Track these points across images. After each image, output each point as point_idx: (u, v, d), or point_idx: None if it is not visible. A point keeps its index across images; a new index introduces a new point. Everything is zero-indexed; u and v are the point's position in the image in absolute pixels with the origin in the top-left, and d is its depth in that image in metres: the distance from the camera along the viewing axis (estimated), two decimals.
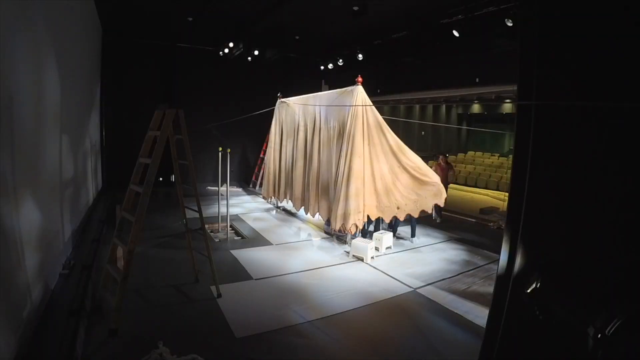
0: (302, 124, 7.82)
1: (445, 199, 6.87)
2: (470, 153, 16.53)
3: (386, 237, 6.32)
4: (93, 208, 7.50)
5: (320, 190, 6.94)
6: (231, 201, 8.08)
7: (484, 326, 2.28)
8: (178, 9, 8.44)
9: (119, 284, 3.52)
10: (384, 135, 6.26)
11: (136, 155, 4.05)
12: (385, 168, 6.25)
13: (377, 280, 5.10)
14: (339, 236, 6.69)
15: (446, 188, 7.19)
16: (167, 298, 4.32)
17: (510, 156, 6.23)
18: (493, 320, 2.07)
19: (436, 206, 7.19)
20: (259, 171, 11.78)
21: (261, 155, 11.62)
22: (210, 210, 8.07)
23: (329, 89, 8.43)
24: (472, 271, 5.51)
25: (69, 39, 5.19)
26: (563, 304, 1.49)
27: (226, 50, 10.70)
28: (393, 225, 6.82)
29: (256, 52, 10.51)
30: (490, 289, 4.74)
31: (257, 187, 11.58)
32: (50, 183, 4.14)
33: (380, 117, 6.29)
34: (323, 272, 5.31)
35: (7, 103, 2.62)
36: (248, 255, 5.86)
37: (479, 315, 4.08)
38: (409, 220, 6.71)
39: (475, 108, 17.21)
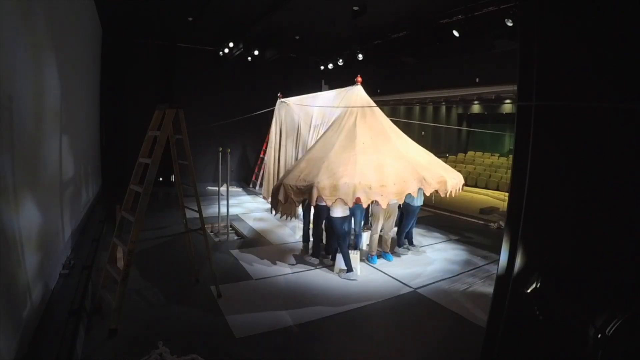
0: (302, 124, 7.81)
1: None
2: (470, 153, 16.51)
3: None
4: (93, 208, 7.50)
5: None
6: (231, 201, 8.07)
7: (484, 326, 2.28)
8: (178, 9, 8.45)
9: (119, 284, 3.52)
10: (386, 134, 6.20)
11: (136, 155, 4.04)
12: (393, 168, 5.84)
13: (377, 280, 5.10)
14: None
15: None
16: (167, 298, 4.32)
17: (510, 156, 6.21)
18: (493, 320, 2.08)
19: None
20: (259, 171, 11.77)
21: (261, 155, 11.61)
22: (210, 210, 8.07)
23: (329, 89, 8.42)
24: (472, 271, 5.51)
25: (69, 39, 5.20)
26: (563, 304, 1.49)
27: (226, 50, 10.70)
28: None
29: (256, 52, 10.51)
30: (490, 289, 4.74)
31: (257, 187, 11.57)
32: (50, 183, 4.15)
33: (381, 115, 6.22)
34: (323, 272, 5.31)
35: (7, 103, 2.62)
36: (248, 255, 5.86)
37: (479, 315, 4.08)
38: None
39: (475, 108, 17.19)
